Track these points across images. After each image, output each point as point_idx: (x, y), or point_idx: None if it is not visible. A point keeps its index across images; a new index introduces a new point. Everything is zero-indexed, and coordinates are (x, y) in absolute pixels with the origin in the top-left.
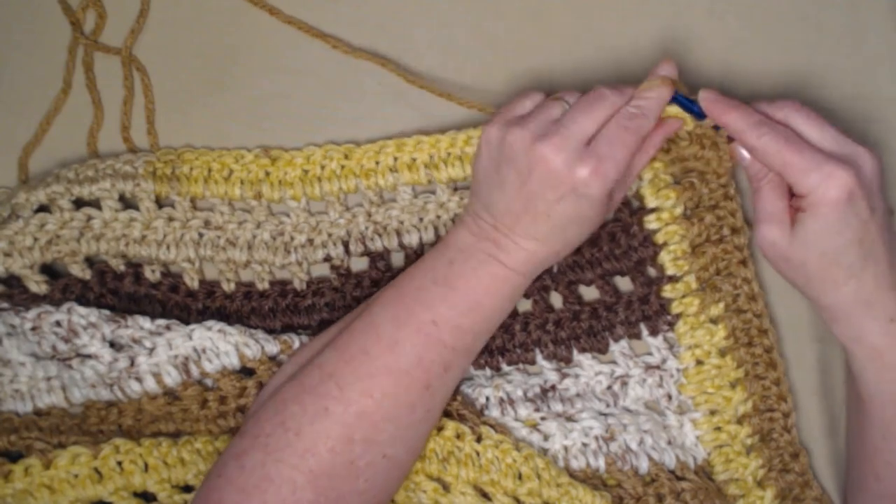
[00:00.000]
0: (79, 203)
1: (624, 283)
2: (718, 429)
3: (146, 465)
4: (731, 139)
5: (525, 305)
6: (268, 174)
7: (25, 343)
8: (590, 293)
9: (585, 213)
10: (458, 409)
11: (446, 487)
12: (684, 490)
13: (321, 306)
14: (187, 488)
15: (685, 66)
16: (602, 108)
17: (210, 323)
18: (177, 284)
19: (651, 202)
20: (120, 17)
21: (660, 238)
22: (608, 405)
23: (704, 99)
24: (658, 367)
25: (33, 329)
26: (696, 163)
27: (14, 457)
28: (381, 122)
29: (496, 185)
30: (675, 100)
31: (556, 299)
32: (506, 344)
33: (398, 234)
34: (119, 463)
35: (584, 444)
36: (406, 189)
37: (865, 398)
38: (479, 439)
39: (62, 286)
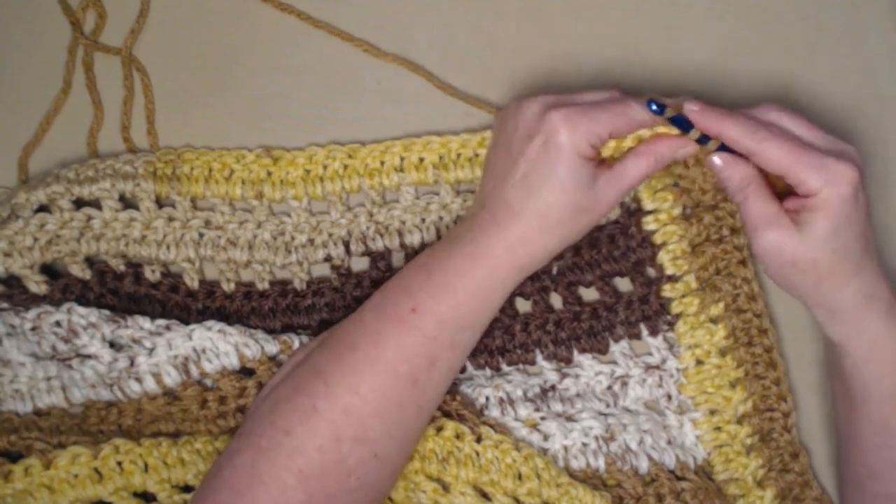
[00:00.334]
0: (79, 203)
1: (624, 284)
2: (718, 428)
3: (146, 466)
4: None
5: (525, 306)
6: (269, 174)
7: (25, 343)
8: (589, 294)
9: (557, 171)
10: (457, 409)
11: (446, 488)
12: (684, 490)
13: (321, 306)
14: (187, 488)
15: (685, 66)
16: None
17: (210, 323)
18: (177, 284)
19: (648, 205)
20: (120, 17)
21: (658, 238)
22: (608, 405)
23: (691, 111)
24: (658, 367)
25: (33, 329)
26: (681, 181)
27: (14, 457)
28: (382, 122)
29: (494, 163)
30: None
31: (556, 300)
32: (506, 344)
33: (400, 234)
34: (119, 463)
35: (584, 444)
36: (409, 189)
37: (861, 398)
38: (478, 439)
39: (62, 286)
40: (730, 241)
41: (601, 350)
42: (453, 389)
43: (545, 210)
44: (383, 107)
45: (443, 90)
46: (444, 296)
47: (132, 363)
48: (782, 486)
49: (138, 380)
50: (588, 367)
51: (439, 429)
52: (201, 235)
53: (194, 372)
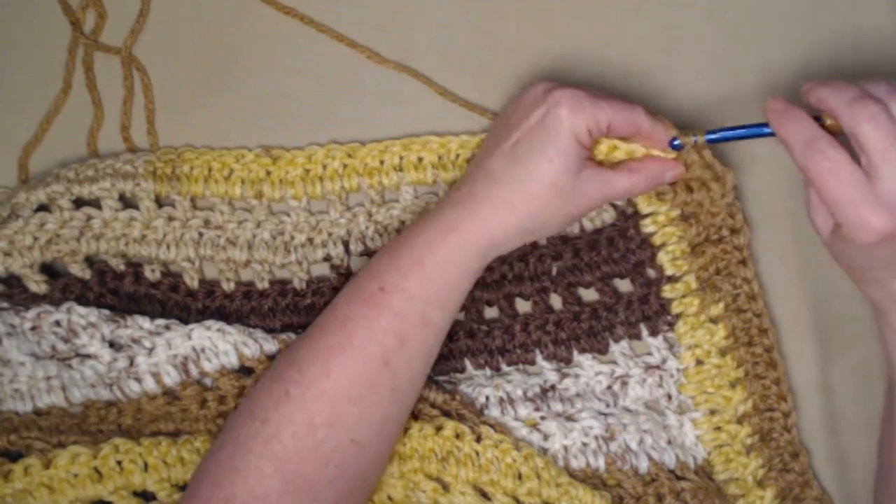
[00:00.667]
0: (79, 202)
1: (623, 285)
2: (718, 428)
3: (146, 465)
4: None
5: (525, 307)
6: (269, 173)
7: (25, 343)
8: (589, 294)
9: (548, 144)
10: (457, 408)
11: (446, 487)
12: (684, 490)
13: (321, 306)
14: (186, 487)
15: (685, 65)
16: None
17: (209, 322)
18: (177, 284)
19: (644, 208)
20: (120, 17)
21: (657, 240)
22: (608, 405)
23: (772, 110)
24: (658, 367)
25: (33, 329)
26: (688, 207)
27: (14, 456)
28: (381, 122)
29: (487, 139)
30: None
31: (556, 301)
32: (506, 344)
33: (399, 233)
34: (119, 462)
35: (584, 444)
36: (408, 189)
37: None
38: (478, 439)
39: (62, 286)
40: (729, 241)
41: (601, 350)
42: (453, 389)
43: (525, 180)
44: (383, 107)
45: (444, 96)
46: (411, 271)
47: (132, 363)
48: (782, 486)
49: (138, 379)
50: (588, 367)
51: (439, 428)
52: (201, 235)
53: (194, 371)
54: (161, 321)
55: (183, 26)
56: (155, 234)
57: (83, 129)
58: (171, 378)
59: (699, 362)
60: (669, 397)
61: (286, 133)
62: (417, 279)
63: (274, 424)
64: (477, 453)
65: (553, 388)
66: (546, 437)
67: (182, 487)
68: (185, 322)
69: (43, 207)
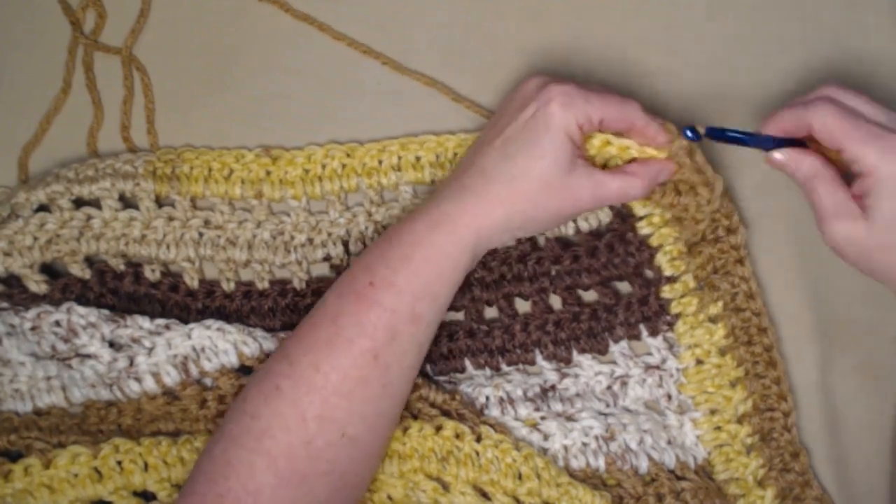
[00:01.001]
0: (79, 202)
1: (622, 286)
2: (718, 428)
3: (146, 465)
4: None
5: (525, 307)
6: (269, 173)
7: (25, 343)
8: (589, 295)
9: (540, 140)
10: (457, 408)
11: (446, 487)
12: (684, 490)
13: None
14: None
15: (684, 65)
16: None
17: (209, 322)
18: (177, 284)
19: (639, 210)
20: (120, 17)
21: (654, 241)
22: (608, 405)
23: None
24: (658, 367)
25: (33, 329)
26: (673, 210)
27: (14, 456)
28: (382, 122)
29: (481, 136)
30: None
31: (556, 301)
32: (506, 344)
33: (391, 227)
34: (119, 462)
35: (584, 444)
36: (407, 189)
37: None
38: (478, 439)
39: (62, 286)
40: (726, 240)
41: (601, 350)
42: (453, 389)
43: (516, 175)
44: (383, 107)
45: (445, 94)
46: (401, 266)
47: (132, 363)
48: (783, 486)
49: (138, 379)
50: (588, 367)
51: (438, 428)
52: (201, 235)
53: (193, 371)
54: (161, 321)
55: (183, 26)
56: (155, 234)
57: (83, 129)
58: (171, 378)
59: (699, 362)
60: (669, 397)
61: (286, 133)
62: (407, 274)
63: (265, 419)
64: (477, 453)
65: (553, 388)
66: (546, 437)
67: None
68: (185, 322)
69: (43, 207)
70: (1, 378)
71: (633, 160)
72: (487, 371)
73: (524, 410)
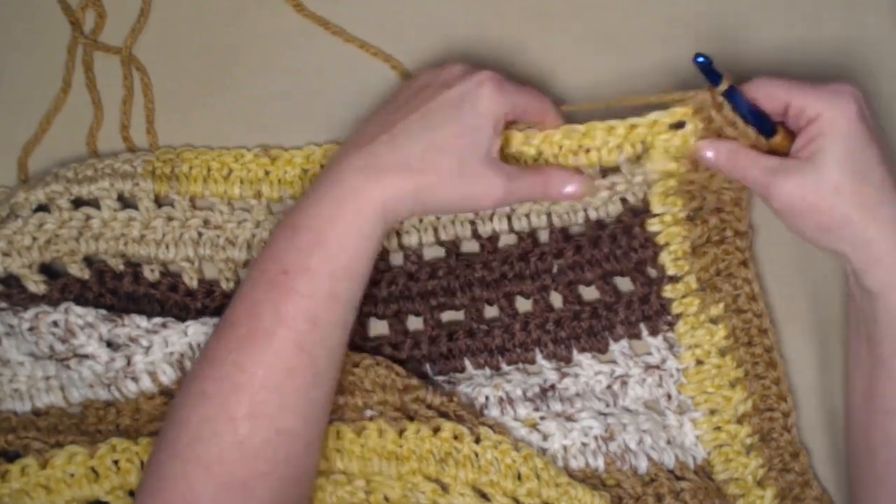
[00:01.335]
0: (77, 202)
1: (624, 284)
2: (718, 428)
3: (142, 464)
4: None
5: (525, 305)
6: (267, 173)
7: (24, 343)
8: (589, 293)
9: (464, 118)
10: (455, 409)
11: (445, 488)
12: (683, 490)
13: None
14: None
15: (686, 65)
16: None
17: (205, 319)
18: (176, 284)
19: (657, 208)
20: (120, 17)
21: (661, 239)
22: (608, 405)
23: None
24: (658, 367)
25: (31, 329)
26: (698, 177)
27: (11, 457)
28: None
29: (377, 121)
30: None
31: (556, 299)
32: (505, 343)
33: (397, 234)
34: (115, 462)
35: (584, 444)
36: None
37: (890, 353)
38: (477, 440)
39: (61, 286)
40: (732, 241)
41: (601, 349)
42: (451, 390)
43: (431, 148)
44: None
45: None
46: (314, 249)
47: (129, 362)
48: (782, 486)
49: (135, 379)
50: (587, 367)
51: (436, 430)
52: (200, 235)
53: (189, 369)
54: (158, 319)
55: (183, 26)
56: (154, 234)
57: (83, 128)
58: (168, 377)
59: (699, 362)
60: (669, 397)
61: (286, 132)
62: (320, 256)
63: (195, 425)
64: (476, 454)
65: (553, 387)
66: (545, 438)
67: None
68: (184, 322)
69: (42, 207)
70: (0, 378)
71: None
72: (487, 371)
73: (524, 410)
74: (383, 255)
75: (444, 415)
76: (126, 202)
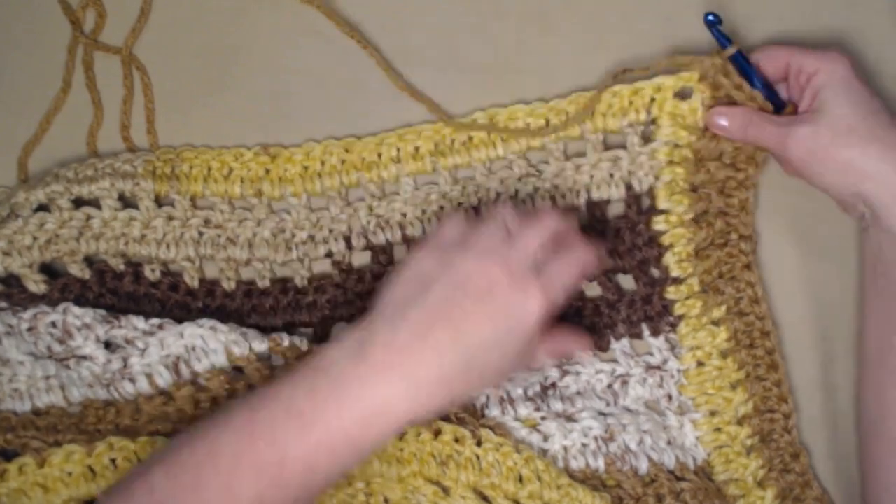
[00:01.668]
0: (78, 202)
1: (626, 281)
2: (718, 430)
3: (139, 462)
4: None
5: None
6: (268, 171)
7: (24, 343)
8: (591, 290)
9: (511, 338)
10: (456, 412)
11: (446, 491)
12: (684, 490)
13: (323, 303)
14: None
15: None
16: (548, 231)
17: (202, 321)
18: (177, 283)
19: (663, 203)
20: (120, 17)
21: (666, 240)
22: (608, 404)
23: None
24: (659, 368)
25: (30, 330)
26: (708, 153)
27: (10, 456)
28: (383, 120)
29: (414, 302)
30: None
31: None
32: None
33: (401, 227)
34: (112, 460)
35: (584, 445)
36: (408, 180)
37: None
38: (478, 443)
39: (61, 286)
40: (736, 245)
41: (602, 348)
42: None
43: (476, 366)
44: (384, 106)
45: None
46: (325, 456)
47: (125, 364)
48: (783, 487)
49: (132, 380)
50: (589, 365)
51: (437, 433)
52: (201, 234)
53: (185, 372)
54: (155, 321)
55: (183, 26)
56: (154, 234)
57: (83, 128)
58: (164, 379)
59: (700, 364)
60: (670, 398)
61: (286, 132)
62: (328, 461)
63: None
64: (477, 457)
65: (554, 385)
66: (546, 438)
67: None
68: (185, 322)
69: (42, 207)
70: (0, 378)
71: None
72: None
73: (524, 410)
74: (387, 248)
75: (444, 418)
76: (127, 202)
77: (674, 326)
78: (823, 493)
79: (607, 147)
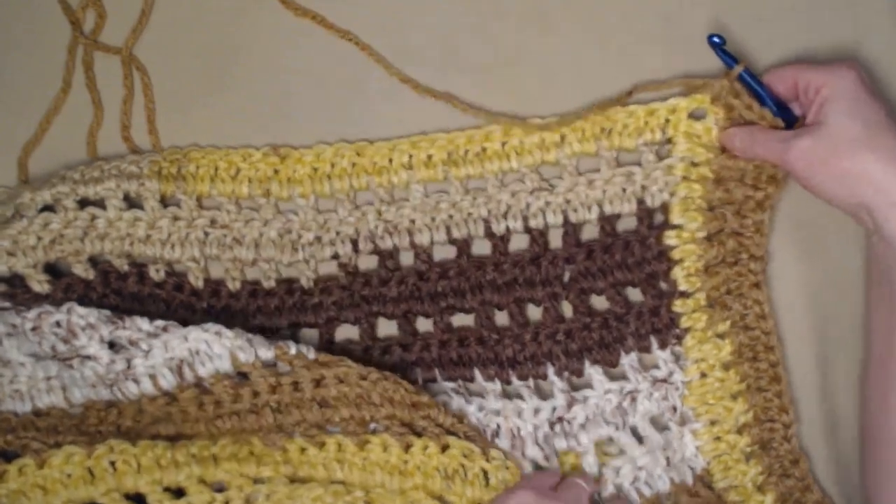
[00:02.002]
0: (83, 203)
1: (633, 294)
2: (718, 438)
3: (139, 466)
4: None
5: (535, 314)
6: (276, 172)
7: (26, 343)
8: (600, 303)
9: None
10: (465, 431)
11: None
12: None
13: (329, 305)
14: (179, 492)
15: (686, 65)
16: None
17: (207, 325)
18: (181, 283)
19: (676, 219)
20: (120, 17)
21: (676, 255)
22: (617, 427)
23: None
24: (665, 381)
25: (34, 329)
26: (738, 196)
27: (10, 457)
28: (384, 121)
29: None
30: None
31: (567, 309)
32: (516, 355)
33: (409, 233)
34: (112, 463)
35: None
36: (418, 187)
37: None
38: (488, 460)
39: (64, 286)
40: (746, 264)
41: (612, 363)
42: (461, 412)
43: None
44: (385, 105)
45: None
46: None
47: (129, 365)
48: (782, 491)
49: (135, 381)
50: (598, 384)
51: (445, 447)
52: (206, 234)
53: (188, 375)
54: (160, 322)
55: (183, 26)
56: (160, 234)
57: (83, 128)
58: (168, 381)
59: (703, 375)
60: (674, 409)
61: (287, 133)
62: None
63: None
64: (486, 473)
65: (561, 419)
66: None
67: (174, 491)
68: (190, 321)
69: (47, 208)
70: (1, 378)
71: None
72: (497, 384)
73: (531, 451)
74: (394, 254)
75: (453, 433)
76: (132, 203)
77: (680, 339)
78: (824, 496)
79: (620, 164)
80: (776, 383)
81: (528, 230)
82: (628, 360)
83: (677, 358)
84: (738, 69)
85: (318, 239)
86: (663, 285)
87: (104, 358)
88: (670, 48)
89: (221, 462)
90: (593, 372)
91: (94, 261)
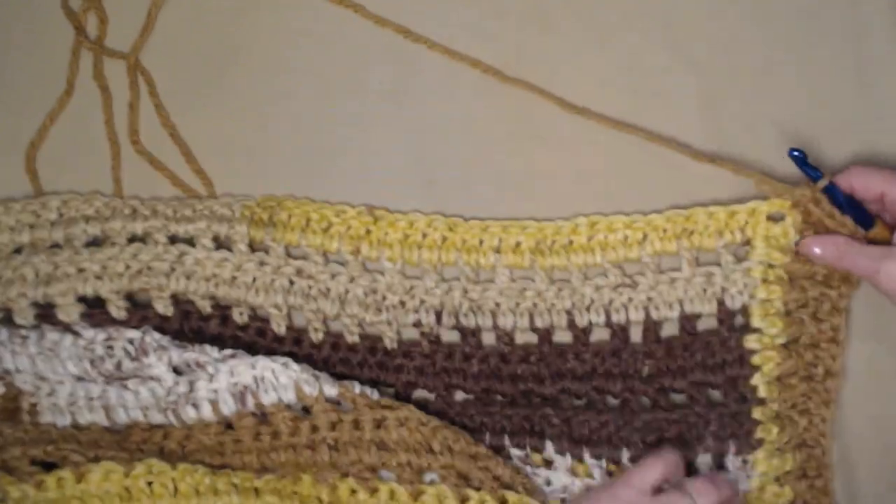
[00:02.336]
0: (173, 240)
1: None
2: None
3: (176, 490)
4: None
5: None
6: (368, 232)
7: (68, 362)
8: (679, 400)
9: None
10: (524, 483)
11: None
12: None
13: (410, 369)
14: None
15: (687, 66)
16: None
17: (276, 356)
18: (264, 329)
19: (757, 322)
20: (120, 18)
21: (756, 360)
22: None
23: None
24: None
25: (107, 340)
26: (813, 294)
27: (49, 467)
28: (385, 121)
29: None
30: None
31: (646, 402)
32: (592, 435)
33: (493, 315)
34: (149, 484)
35: None
36: (504, 271)
37: None
38: None
39: (140, 316)
40: (821, 381)
41: (687, 459)
42: (521, 467)
43: None
44: (386, 106)
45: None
46: None
47: (192, 388)
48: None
49: (195, 406)
50: None
51: (503, 501)
52: (292, 283)
53: (250, 402)
54: (228, 351)
55: (186, 30)
56: (245, 277)
57: (86, 131)
58: (229, 407)
59: (761, 489)
60: None
61: (289, 133)
62: None
63: None
64: None
65: None
66: None
67: None
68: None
69: (135, 238)
70: (39, 391)
71: None
72: (569, 458)
73: None
74: (476, 332)
75: (509, 488)
76: (221, 245)
77: (754, 448)
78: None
79: (699, 264)
80: (825, 496)
81: (609, 325)
82: (704, 460)
83: (745, 465)
84: (824, 182)
85: (403, 304)
86: (743, 390)
87: (168, 380)
88: (672, 49)
89: (263, 495)
90: None
91: (175, 299)
